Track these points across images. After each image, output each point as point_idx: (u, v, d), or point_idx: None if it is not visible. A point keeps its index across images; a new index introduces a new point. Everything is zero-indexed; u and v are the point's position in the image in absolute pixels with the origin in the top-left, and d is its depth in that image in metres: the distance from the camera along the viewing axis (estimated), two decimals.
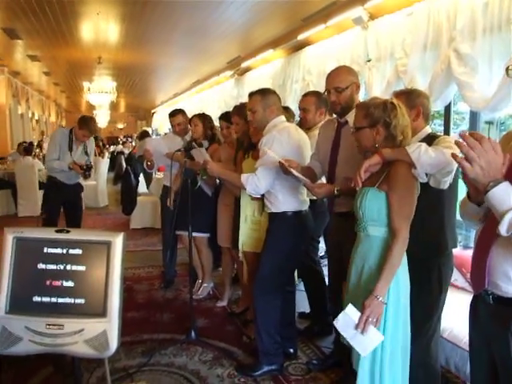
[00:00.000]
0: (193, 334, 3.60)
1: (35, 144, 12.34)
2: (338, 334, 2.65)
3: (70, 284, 1.61)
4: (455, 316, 2.79)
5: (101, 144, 15.81)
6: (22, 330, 1.62)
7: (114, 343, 1.56)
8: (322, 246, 4.03)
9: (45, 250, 1.61)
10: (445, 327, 2.75)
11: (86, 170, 4.99)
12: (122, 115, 28.28)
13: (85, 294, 1.60)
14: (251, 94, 3.11)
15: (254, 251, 3.47)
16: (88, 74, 11.61)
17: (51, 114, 20.15)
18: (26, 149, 9.12)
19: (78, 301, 1.60)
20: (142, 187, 8.46)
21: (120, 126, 30.35)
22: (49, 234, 1.61)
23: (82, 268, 1.60)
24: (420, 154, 2.04)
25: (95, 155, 8.29)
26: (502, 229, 1.38)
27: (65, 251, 1.61)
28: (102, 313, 1.56)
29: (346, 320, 2.07)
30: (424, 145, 2.10)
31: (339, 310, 2.20)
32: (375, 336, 2.01)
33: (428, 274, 2.39)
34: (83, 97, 13.64)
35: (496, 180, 1.37)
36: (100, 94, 11.70)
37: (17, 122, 13.02)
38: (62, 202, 5.15)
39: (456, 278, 3.25)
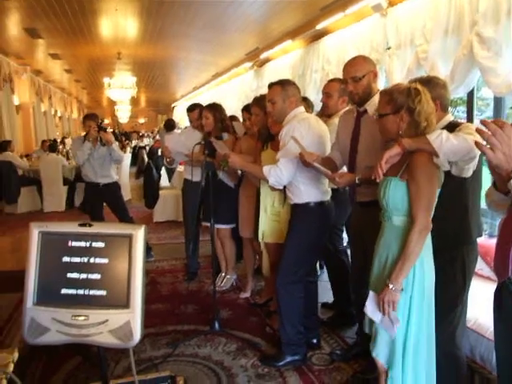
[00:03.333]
0: (216, 325, 3.64)
1: (59, 141, 12.54)
2: (361, 324, 2.66)
3: (93, 276, 1.64)
4: (480, 306, 2.75)
5: (123, 139, 15.98)
6: (50, 320, 1.66)
7: (137, 333, 1.60)
8: (345, 235, 4.01)
9: (69, 243, 1.65)
10: (470, 317, 2.71)
11: (100, 129, 5.14)
12: (143, 110, 28.55)
13: (108, 286, 1.64)
14: (271, 85, 3.10)
15: (275, 242, 3.48)
16: (108, 70, 11.75)
17: (73, 111, 20.47)
18: (51, 146, 9.28)
19: (102, 292, 1.64)
20: (164, 181, 8.54)
21: (141, 120, 30.64)
22: (72, 228, 1.65)
23: (105, 261, 1.64)
24: (442, 141, 2.01)
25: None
26: None
27: (88, 244, 1.64)
28: (125, 304, 1.59)
29: (372, 306, 2.14)
30: (445, 132, 2.06)
31: (362, 300, 2.21)
32: (396, 320, 2.07)
33: (452, 264, 2.36)
34: (104, 93, 13.81)
35: None
36: (120, 90, 11.82)
37: (40, 120, 13.28)
38: (102, 202, 5.38)
39: (481, 267, 3.20)
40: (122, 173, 10.04)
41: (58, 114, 16.83)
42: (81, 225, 1.64)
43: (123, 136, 18.43)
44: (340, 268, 3.81)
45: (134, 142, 16.84)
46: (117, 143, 5.64)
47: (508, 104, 3.91)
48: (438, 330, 2.20)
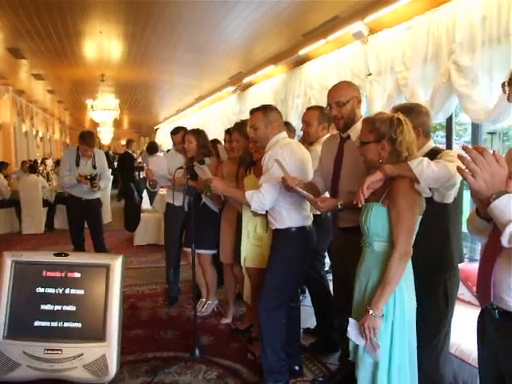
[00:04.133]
0: (197, 351, 3.56)
1: (39, 161, 12.38)
2: (344, 350, 2.63)
3: (68, 308, 1.59)
4: (462, 331, 2.76)
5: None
6: (20, 355, 1.58)
7: (113, 368, 1.54)
8: (328, 261, 4.00)
9: (44, 273, 1.59)
10: (452, 343, 2.71)
11: (91, 180, 5.21)
12: (126, 132, 28.38)
13: (84, 318, 1.58)
14: (253, 111, 3.11)
15: (256, 267, 3.45)
16: (91, 92, 11.70)
17: (55, 132, 20.27)
18: (31, 167, 9.16)
19: (77, 325, 1.58)
20: (145, 204, 8.46)
21: (123, 142, 30.43)
22: (47, 257, 1.59)
23: (80, 292, 1.59)
24: (423, 168, 2.04)
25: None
26: (504, 240, 1.39)
27: (63, 274, 1.59)
28: (101, 337, 1.54)
29: (354, 332, 2.14)
30: (426, 159, 2.09)
31: (344, 326, 2.20)
32: (377, 345, 2.07)
33: (434, 289, 2.36)
34: (87, 114, 13.75)
35: (499, 192, 1.38)
36: (103, 112, 11.76)
37: (21, 140, 13.11)
38: (83, 217, 5.45)
39: (462, 292, 3.21)
40: (103, 195, 9.92)
41: (40, 135, 16.65)
42: (56, 254, 1.59)
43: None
44: (322, 294, 3.79)
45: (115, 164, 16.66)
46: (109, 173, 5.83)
47: (485, 129, 3.99)
48: (421, 356, 2.20)
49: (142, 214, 7.57)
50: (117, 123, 18.43)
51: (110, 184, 10.45)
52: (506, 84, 1.55)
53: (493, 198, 1.38)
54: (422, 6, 4.00)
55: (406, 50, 4.24)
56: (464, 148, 1.41)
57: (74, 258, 1.61)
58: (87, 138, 5.33)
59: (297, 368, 3.34)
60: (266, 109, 3.08)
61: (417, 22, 4.10)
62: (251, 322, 3.98)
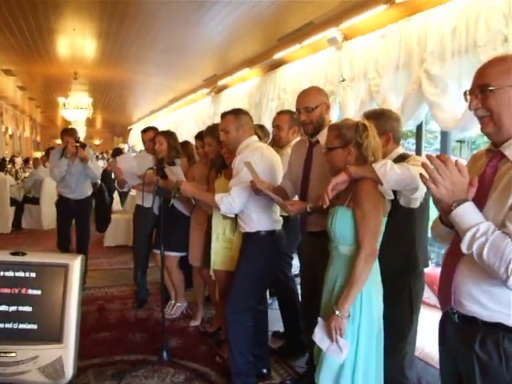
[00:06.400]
0: (165, 354, 3.53)
1: (7, 159, 12.11)
2: (312, 354, 2.64)
3: (24, 309, 1.54)
4: (427, 334, 2.80)
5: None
6: None
7: (69, 370, 1.50)
8: (296, 263, 4.01)
9: (0, 273, 1.55)
10: (417, 346, 2.75)
11: (80, 145, 5.09)
12: (99, 131, 28.02)
13: (40, 319, 1.54)
14: (224, 115, 3.12)
15: (225, 270, 3.44)
16: (64, 90, 11.50)
17: (26, 129, 19.86)
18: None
19: (33, 326, 1.53)
20: (116, 204, 8.35)
21: (96, 142, 30.02)
22: (4, 256, 1.55)
23: (37, 292, 1.54)
24: (386, 170, 2.07)
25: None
26: (464, 247, 1.43)
27: (19, 274, 1.55)
28: (57, 338, 1.50)
29: (320, 334, 2.14)
30: (390, 161, 2.13)
31: (311, 329, 2.20)
32: (345, 345, 2.07)
33: (399, 294, 2.40)
34: (59, 112, 13.49)
35: (460, 200, 1.43)
36: (76, 110, 11.59)
37: None
38: (71, 217, 5.36)
39: (428, 296, 3.26)
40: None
41: (10, 132, 16.28)
42: (13, 253, 1.55)
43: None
44: (289, 296, 3.80)
45: None
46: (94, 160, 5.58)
47: (454, 137, 4.08)
48: (387, 359, 2.21)
49: (112, 215, 7.46)
50: (90, 122, 18.15)
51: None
52: (468, 93, 1.59)
53: (454, 206, 1.43)
54: (396, 14, 4.07)
55: (378, 57, 4.29)
56: (428, 157, 1.44)
57: (32, 257, 1.56)
58: (67, 130, 5.34)
59: (265, 371, 3.34)
60: (237, 112, 3.09)
61: (390, 31, 4.16)
62: (220, 324, 3.97)
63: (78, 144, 5.09)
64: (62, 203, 5.33)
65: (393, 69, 4.15)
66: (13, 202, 8.74)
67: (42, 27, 6.22)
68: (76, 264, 1.54)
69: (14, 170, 10.81)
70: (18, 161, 12.81)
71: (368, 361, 2.11)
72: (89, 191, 5.44)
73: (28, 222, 8.91)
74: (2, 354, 1.50)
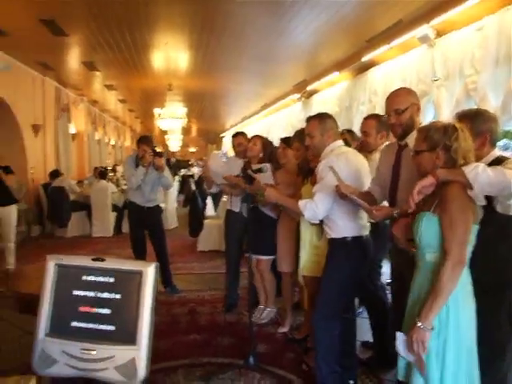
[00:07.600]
0: (251, 359, 3.54)
1: (109, 168, 12.98)
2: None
3: (103, 311, 1.64)
4: None
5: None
6: (59, 353, 1.66)
7: (142, 371, 1.57)
8: (386, 270, 3.86)
9: (83, 277, 1.66)
10: None
11: (156, 155, 5.19)
12: (194, 139, 29.20)
13: (117, 322, 1.63)
14: (309, 119, 3.09)
15: (313, 275, 3.41)
16: (160, 101, 12.15)
17: (126, 139, 21.20)
18: (101, 173, 9.60)
19: (111, 328, 1.63)
20: (209, 210, 8.59)
21: (192, 149, 31.34)
22: (86, 261, 1.66)
23: (114, 296, 1.64)
24: (477, 173, 1.91)
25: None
26: None
27: (99, 279, 1.65)
28: (132, 340, 1.58)
29: (403, 346, 2.03)
30: (482, 164, 1.96)
31: None
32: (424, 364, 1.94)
33: (497, 308, 2.21)
34: (155, 122, 14.28)
35: None
36: (171, 120, 12.13)
37: (94, 148, 13.85)
38: (144, 225, 5.45)
39: None
40: (169, 200, 10.23)
41: (112, 142, 17.46)
42: (94, 259, 1.65)
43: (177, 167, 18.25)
44: (378, 305, 3.65)
45: (182, 171, 17.14)
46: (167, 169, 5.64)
47: None
48: (485, 378, 2.04)
49: (205, 220, 7.69)
50: (185, 131, 19.00)
51: (176, 192, 10.76)
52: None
53: None
54: (493, 4, 3.81)
55: (475, 52, 4.05)
56: None
57: (110, 263, 1.66)
58: (144, 138, 5.43)
59: (351, 382, 3.22)
60: (321, 117, 3.04)
61: (487, 22, 3.91)
62: (308, 331, 3.92)
63: (154, 153, 5.22)
64: (135, 211, 5.43)
65: (492, 64, 3.88)
66: (114, 208, 9.33)
67: (137, 43, 6.64)
68: (150, 271, 1.61)
69: (115, 178, 11.53)
70: (120, 169, 13.67)
71: (457, 380, 1.95)
72: (159, 199, 5.55)
73: (128, 227, 9.45)
74: (85, 351, 1.62)
